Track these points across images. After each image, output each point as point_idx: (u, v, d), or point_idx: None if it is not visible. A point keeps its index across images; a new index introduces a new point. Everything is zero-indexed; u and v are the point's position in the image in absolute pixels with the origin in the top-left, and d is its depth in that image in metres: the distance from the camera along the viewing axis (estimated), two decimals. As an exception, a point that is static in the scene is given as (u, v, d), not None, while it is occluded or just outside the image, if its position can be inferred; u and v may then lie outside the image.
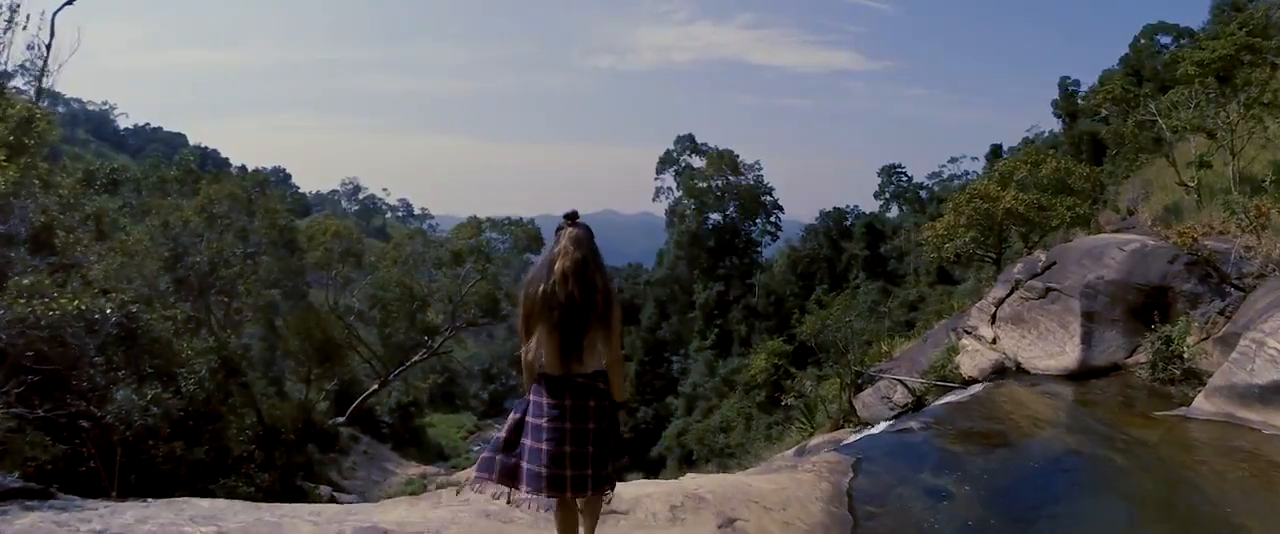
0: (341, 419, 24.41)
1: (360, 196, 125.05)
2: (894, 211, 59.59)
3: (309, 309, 23.63)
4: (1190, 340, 9.91)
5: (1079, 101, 43.29)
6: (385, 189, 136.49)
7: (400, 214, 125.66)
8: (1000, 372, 10.17)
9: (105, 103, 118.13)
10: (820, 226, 56.37)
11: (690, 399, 48.21)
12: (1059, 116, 43.78)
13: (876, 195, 60.54)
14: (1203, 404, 8.73)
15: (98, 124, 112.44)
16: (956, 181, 57.06)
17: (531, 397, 3.79)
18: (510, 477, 3.77)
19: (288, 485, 20.18)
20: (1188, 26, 36.28)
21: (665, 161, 58.98)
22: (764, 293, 53.68)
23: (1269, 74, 14.56)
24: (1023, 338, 10.50)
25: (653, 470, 44.37)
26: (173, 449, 15.85)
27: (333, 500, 24.62)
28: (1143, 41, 37.18)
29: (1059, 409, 8.48)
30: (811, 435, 18.39)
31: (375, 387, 27.59)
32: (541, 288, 3.70)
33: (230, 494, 17.87)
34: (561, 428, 3.67)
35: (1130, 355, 10.57)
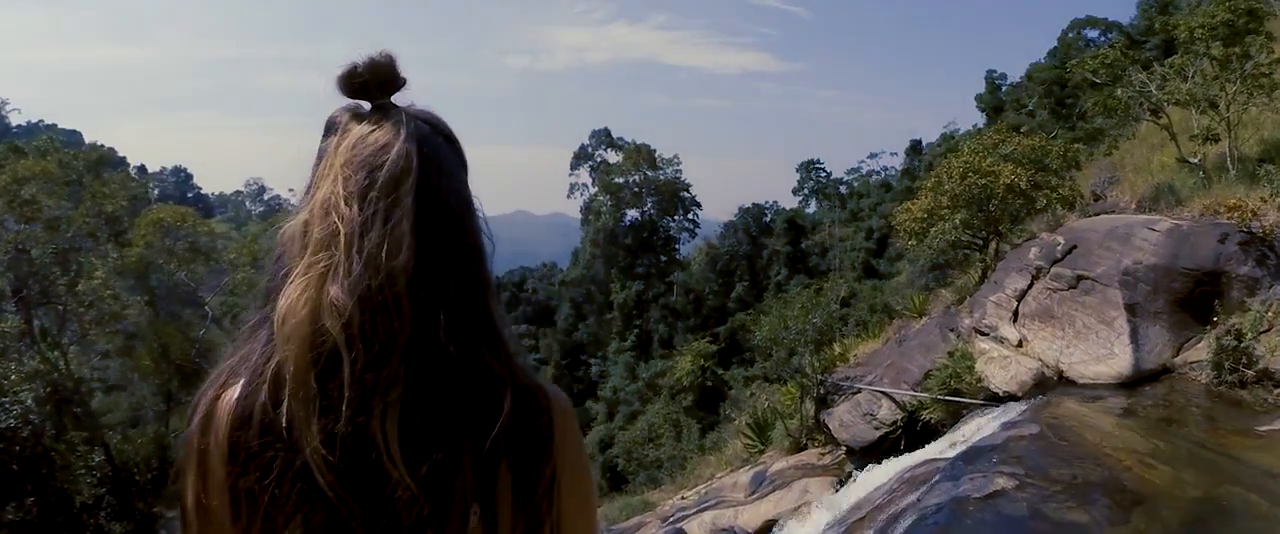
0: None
1: (265, 198, 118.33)
2: (813, 207, 58.55)
3: (163, 321, 19.92)
4: (1259, 334, 8.11)
5: (1002, 95, 42.86)
6: (291, 190, 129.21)
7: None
8: (1041, 383, 8.11)
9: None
10: (739, 223, 54.79)
11: (611, 404, 45.87)
12: (983, 110, 43.14)
13: (795, 191, 59.39)
14: (1313, 417, 6.89)
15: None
16: (876, 177, 56.45)
17: None
18: None
19: (146, 535, 16.75)
20: (1116, 20, 36.00)
21: (580, 157, 56.32)
22: (684, 291, 51.76)
23: (1265, 43, 13.13)
24: (1057, 338, 8.48)
25: (574, 482, 41.87)
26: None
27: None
28: (1071, 35, 36.71)
29: (1147, 434, 6.45)
30: (763, 453, 16.18)
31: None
32: (246, 403, 0.98)
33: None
34: None
35: (1178, 354, 8.71)
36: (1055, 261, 9.32)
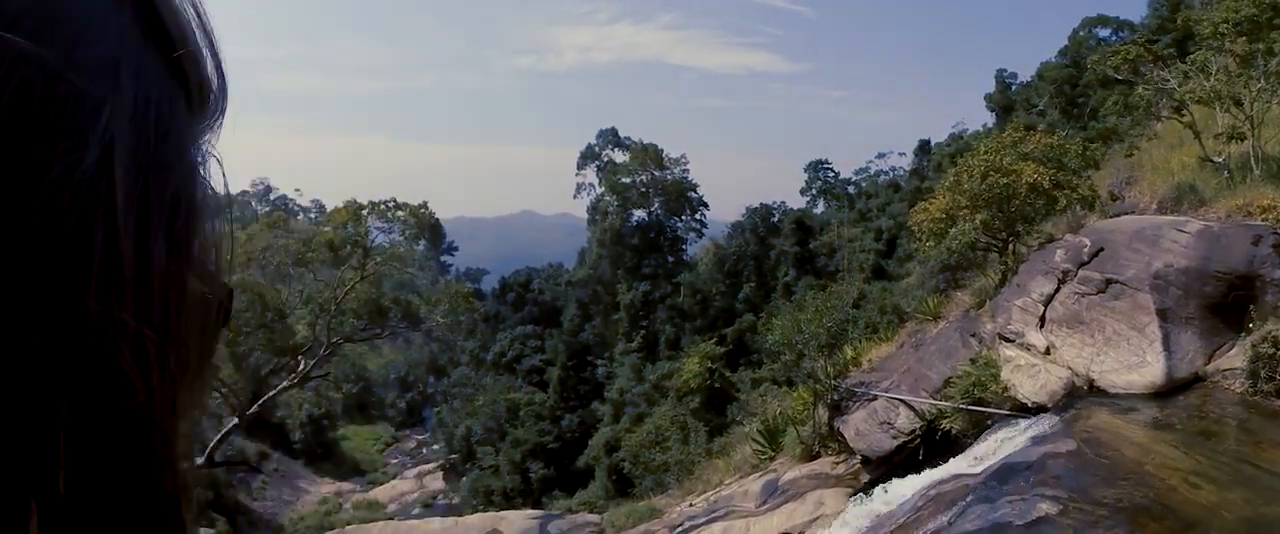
0: (187, 464, 20.27)
1: (271, 198, 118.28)
2: (821, 207, 58.23)
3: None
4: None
5: (1011, 95, 42.46)
6: (297, 189, 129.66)
7: (313, 215, 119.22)
8: (1071, 393, 7.76)
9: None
10: (747, 224, 54.40)
11: (618, 405, 45.52)
12: (993, 110, 42.74)
13: (803, 191, 59.08)
14: (1363, 433, 6.53)
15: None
16: (884, 178, 56.10)
17: None
18: None
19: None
20: (1128, 19, 35.60)
21: (587, 156, 56.04)
22: (691, 292, 51.39)
23: None
24: (1087, 346, 8.12)
25: (581, 481, 41.51)
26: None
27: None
28: (1082, 34, 36.32)
29: (1186, 449, 6.09)
30: (773, 460, 15.82)
31: (231, 425, 22.73)
32: None
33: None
34: None
35: (1210, 362, 8.36)
36: (1082, 264, 8.97)
